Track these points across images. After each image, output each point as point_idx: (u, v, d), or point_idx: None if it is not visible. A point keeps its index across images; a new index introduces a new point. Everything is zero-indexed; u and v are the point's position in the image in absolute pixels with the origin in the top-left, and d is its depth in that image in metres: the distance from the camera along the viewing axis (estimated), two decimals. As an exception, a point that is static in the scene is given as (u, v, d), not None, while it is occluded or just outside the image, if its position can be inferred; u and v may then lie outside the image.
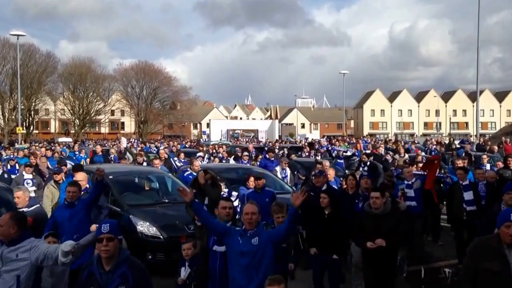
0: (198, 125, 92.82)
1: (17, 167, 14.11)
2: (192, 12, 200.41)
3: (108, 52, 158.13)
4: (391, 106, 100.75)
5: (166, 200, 9.72)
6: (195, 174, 9.86)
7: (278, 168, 13.01)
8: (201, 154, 18.22)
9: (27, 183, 10.38)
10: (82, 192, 7.21)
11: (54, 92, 71.04)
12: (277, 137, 69.60)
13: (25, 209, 6.51)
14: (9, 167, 14.34)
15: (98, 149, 17.87)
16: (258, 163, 15.17)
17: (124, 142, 22.37)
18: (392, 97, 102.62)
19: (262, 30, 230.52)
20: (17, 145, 31.75)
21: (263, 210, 5.37)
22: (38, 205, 7.17)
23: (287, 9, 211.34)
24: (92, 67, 70.51)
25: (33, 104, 65.13)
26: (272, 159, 14.28)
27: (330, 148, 22.00)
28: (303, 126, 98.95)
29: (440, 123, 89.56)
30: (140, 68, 73.95)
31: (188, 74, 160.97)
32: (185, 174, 11.47)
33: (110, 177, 9.45)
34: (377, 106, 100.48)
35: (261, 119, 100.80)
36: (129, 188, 9.89)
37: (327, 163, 12.56)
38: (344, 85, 59.91)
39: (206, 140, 55.13)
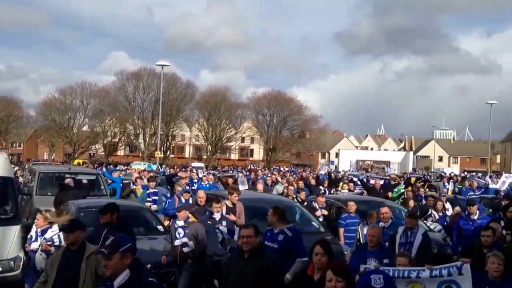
0: (327, 154, 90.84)
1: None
2: (331, 43, 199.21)
3: (244, 81, 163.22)
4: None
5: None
6: None
7: None
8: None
9: None
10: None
11: (190, 119, 74.76)
12: (410, 170, 64.89)
13: None
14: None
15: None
16: None
17: (244, 183, 17.84)
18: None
19: (401, 57, 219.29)
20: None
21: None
22: None
23: (430, 36, 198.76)
24: (227, 96, 73.10)
25: (171, 130, 69.22)
26: None
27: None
28: (440, 159, 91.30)
29: None
30: (272, 96, 74.95)
31: (320, 103, 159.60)
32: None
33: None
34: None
35: (394, 150, 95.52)
36: (256, 215, 9.59)
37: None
38: (491, 117, 53.79)
39: (333, 170, 52.98)
